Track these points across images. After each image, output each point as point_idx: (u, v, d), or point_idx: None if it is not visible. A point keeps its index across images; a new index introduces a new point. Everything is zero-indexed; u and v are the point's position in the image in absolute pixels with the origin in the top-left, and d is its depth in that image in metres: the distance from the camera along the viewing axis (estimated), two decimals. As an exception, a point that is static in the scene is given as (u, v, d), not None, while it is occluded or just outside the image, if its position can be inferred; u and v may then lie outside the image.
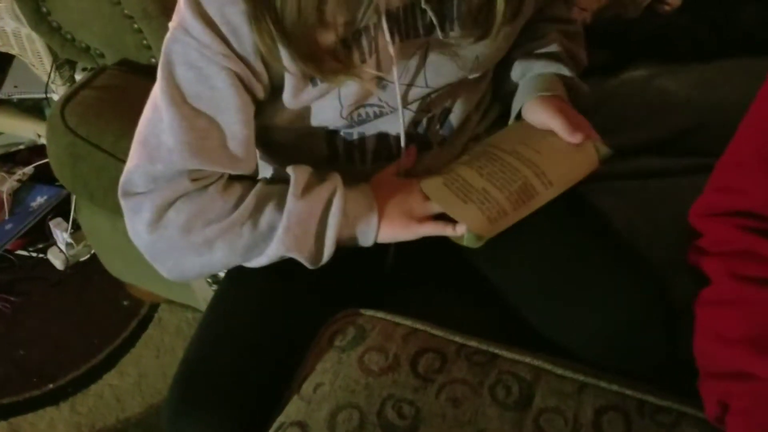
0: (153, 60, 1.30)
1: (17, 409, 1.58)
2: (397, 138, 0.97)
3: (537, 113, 0.96)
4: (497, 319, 0.97)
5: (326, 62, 0.84)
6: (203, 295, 1.46)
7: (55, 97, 1.67)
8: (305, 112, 0.92)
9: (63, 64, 1.61)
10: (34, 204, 1.90)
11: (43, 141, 1.80)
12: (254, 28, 0.81)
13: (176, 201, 0.86)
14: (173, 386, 0.90)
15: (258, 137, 0.91)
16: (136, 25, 1.26)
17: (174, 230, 0.86)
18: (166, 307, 1.74)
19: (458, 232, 0.89)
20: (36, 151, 1.95)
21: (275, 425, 0.86)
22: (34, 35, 1.50)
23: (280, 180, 0.92)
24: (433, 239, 0.93)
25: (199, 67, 0.83)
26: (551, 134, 0.95)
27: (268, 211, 0.88)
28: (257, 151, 0.95)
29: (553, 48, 1.03)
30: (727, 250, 0.80)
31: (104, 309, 1.76)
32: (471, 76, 0.97)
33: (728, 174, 0.83)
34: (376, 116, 0.95)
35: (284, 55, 0.83)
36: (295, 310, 0.96)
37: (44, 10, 1.32)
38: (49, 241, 1.87)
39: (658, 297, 0.91)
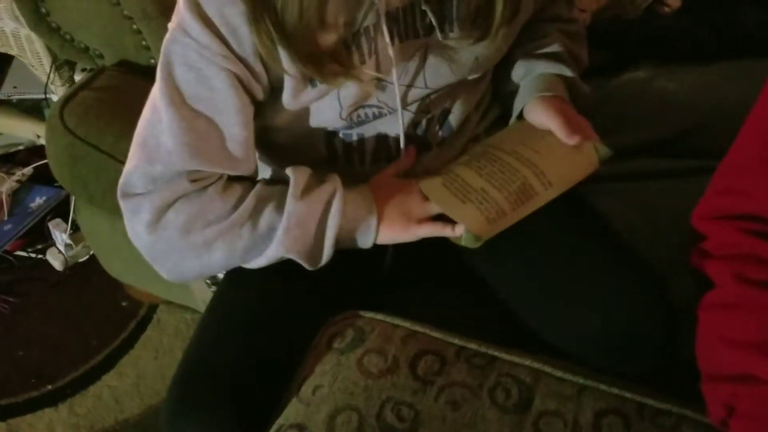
0: (152, 61, 1.30)
1: (16, 410, 1.58)
2: (397, 139, 0.97)
3: (537, 113, 0.96)
4: (497, 320, 0.97)
5: (326, 64, 0.84)
6: (202, 297, 1.46)
7: (55, 97, 1.66)
8: (304, 113, 0.92)
9: (62, 65, 1.60)
10: (33, 205, 1.90)
11: (42, 142, 1.80)
12: (253, 29, 0.81)
13: (175, 202, 0.86)
14: (172, 387, 0.90)
15: (257, 138, 0.91)
16: (135, 26, 1.26)
17: (173, 231, 0.86)
18: (164, 308, 1.74)
19: (457, 232, 0.89)
20: (35, 151, 1.95)
21: (274, 427, 0.86)
22: (34, 36, 1.50)
23: (279, 181, 0.92)
24: (432, 240, 0.93)
25: (198, 68, 0.83)
26: (551, 135, 0.95)
27: (268, 212, 0.88)
28: (256, 152, 0.94)
29: (555, 48, 1.02)
30: (731, 254, 0.79)
31: (103, 310, 1.76)
32: (470, 77, 0.97)
33: (731, 177, 0.83)
34: (376, 117, 0.95)
35: (284, 56, 0.83)
36: (294, 311, 0.96)
37: (43, 10, 1.32)
38: (48, 241, 1.86)
39: (658, 298, 0.91)
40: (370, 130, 0.97)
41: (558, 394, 0.84)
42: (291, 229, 0.87)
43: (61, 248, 1.83)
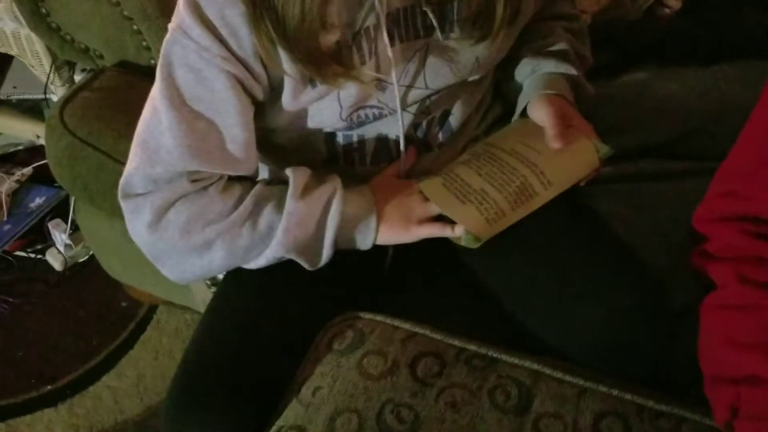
0: (152, 61, 1.30)
1: (15, 410, 1.57)
2: (397, 140, 0.97)
3: (536, 110, 0.96)
4: (496, 321, 0.97)
5: (327, 65, 0.84)
6: (202, 297, 1.46)
7: (54, 97, 1.66)
8: (304, 114, 0.92)
9: (62, 65, 1.61)
10: (32, 205, 1.90)
11: (41, 142, 1.80)
12: (254, 30, 0.81)
13: (176, 202, 0.87)
14: (172, 388, 0.90)
15: (257, 138, 0.91)
16: (135, 27, 1.26)
17: (174, 231, 0.86)
18: (164, 309, 1.74)
19: (457, 233, 0.89)
20: (35, 151, 1.95)
21: (274, 429, 0.86)
22: (34, 36, 1.50)
23: (279, 181, 0.92)
24: (431, 240, 0.93)
25: (198, 70, 0.83)
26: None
27: (267, 212, 0.88)
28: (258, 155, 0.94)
29: (560, 47, 1.02)
30: (734, 256, 0.80)
31: (103, 310, 1.76)
32: (471, 78, 0.97)
33: (732, 178, 0.83)
34: (376, 118, 0.95)
35: (284, 57, 0.83)
36: (294, 312, 0.96)
37: (43, 11, 1.32)
38: (48, 242, 1.86)
39: (656, 298, 0.91)
40: (370, 131, 0.97)
41: (558, 395, 0.84)
42: (290, 229, 0.87)
43: (61, 248, 1.82)
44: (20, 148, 1.99)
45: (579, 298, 0.91)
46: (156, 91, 0.85)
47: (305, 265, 0.90)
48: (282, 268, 0.91)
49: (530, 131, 0.96)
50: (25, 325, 1.74)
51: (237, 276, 0.97)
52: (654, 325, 0.90)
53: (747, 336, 0.76)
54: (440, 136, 1.01)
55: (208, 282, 1.38)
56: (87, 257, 1.84)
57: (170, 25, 0.84)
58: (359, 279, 1.02)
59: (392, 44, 0.87)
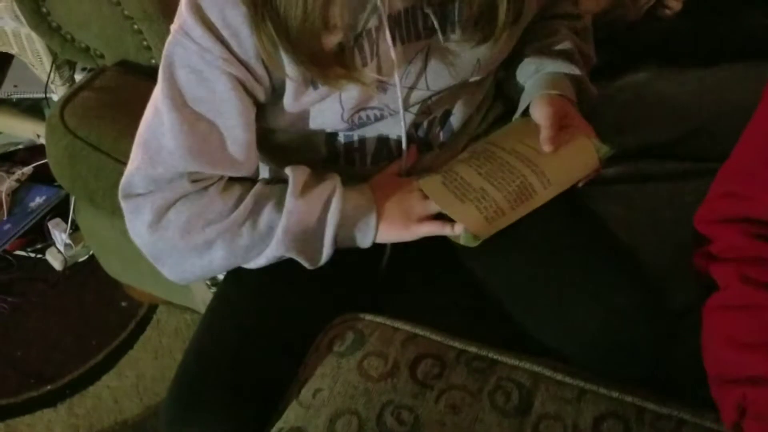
0: (153, 61, 1.30)
1: (14, 410, 1.57)
2: (398, 140, 0.97)
3: (536, 110, 0.96)
4: (497, 322, 0.97)
5: (329, 66, 0.84)
6: (202, 297, 1.46)
7: (55, 97, 1.66)
8: (306, 115, 0.92)
9: (62, 64, 1.60)
10: (32, 204, 1.90)
11: (42, 141, 1.80)
12: (255, 32, 0.81)
13: (176, 202, 0.87)
14: (172, 389, 0.90)
15: (258, 139, 0.91)
16: (136, 26, 1.26)
17: (174, 231, 0.87)
18: (164, 309, 1.73)
19: (456, 231, 0.89)
20: (35, 151, 1.95)
21: (274, 430, 0.86)
22: (34, 35, 1.50)
23: (278, 180, 0.92)
24: (431, 241, 0.93)
25: (199, 71, 0.83)
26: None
27: (267, 211, 0.88)
28: (258, 155, 0.94)
29: (564, 46, 1.02)
30: (736, 257, 0.80)
31: (102, 310, 1.75)
32: (472, 79, 0.96)
33: (733, 180, 0.83)
34: (377, 119, 0.95)
35: (285, 59, 0.83)
36: (294, 312, 0.96)
37: (44, 10, 1.32)
38: (48, 241, 1.86)
39: (654, 298, 0.91)
40: (371, 132, 0.97)
41: (558, 397, 0.84)
42: (290, 228, 0.87)
43: (61, 248, 1.82)
44: (20, 147, 1.99)
45: (578, 298, 0.91)
46: (158, 92, 0.86)
47: (306, 264, 0.90)
48: (282, 268, 0.91)
49: (531, 131, 0.96)
50: (24, 325, 1.74)
51: (237, 276, 0.97)
52: (653, 325, 0.90)
53: (750, 336, 0.76)
54: (441, 135, 1.01)
55: (208, 282, 1.38)
56: (87, 257, 1.84)
57: (172, 27, 0.84)
58: (359, 278, 1.02)
59: (394, 45, 0.87)
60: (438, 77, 0.93)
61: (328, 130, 0.95)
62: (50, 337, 1.71)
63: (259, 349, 0.91)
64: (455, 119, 1.01)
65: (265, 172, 1.04)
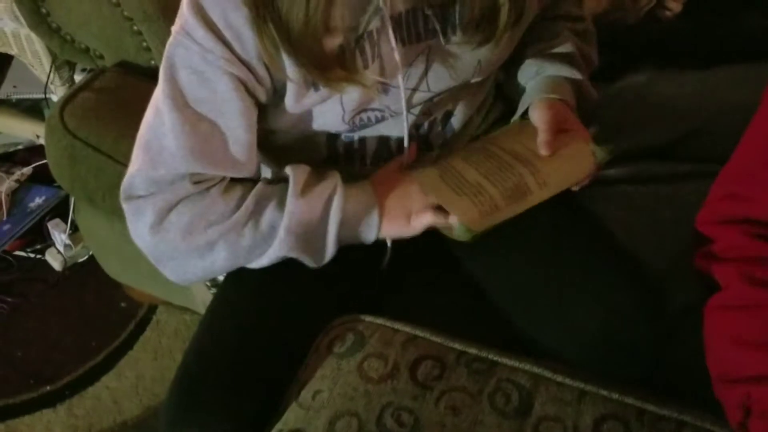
0: (152, 62, 1.30)
1: (14, 411, 1.57)
2: (398, 141, 0.97)
3: (534, 114, 0.96)
4: (497, 324, 0.97)
5: (330, 69, 0.84)
6: (202, 298, 1.46)
7: (54, 97, 1.66)
8: (307, 116, 0.92)
9: (62, 65, 1.60)
10: (32, 204, 1.90)
11: (41, 141, 1.80)
12: (257, 34, 0.81)
13: (178, 204, 0.87)
14: (172, 390, 0.90)
15: (258, 139, 0.91)
16: (135, 27, 1.26)
17: (176, 232, 0.86)
18: (164, 310, 1.73)
19: (450, 222, 0.89)
20: (35, 151, 1.95)
21: (273, 432, 0.86)
22: (34, 36, 1.50)
23: (279, 180, 0.92)
24: (431, 239, 0.93)
25: (201, 72, 0.83)
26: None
27: (269, 212, 0.88)
28: (258, 155, 0.94)
29: (566, 49, 1.02)
30: (738, 256, 0.80)
31: (102, 311, 1.75)
32: (473, 80, 0.96)
33: (735, 182, 0.83)
34: (378, 120, 0.95)
35: (287, 61, 0.83)
36: (294, 313, 0.96)
37: (44, 11, 1.31)
38: (47, 242, 1.86)
39: (653, 298, 0.92)
40: (371, 133, 0.97)
41: (558, 399, 0.84)
42: (292, 228, 0.87)
43: (60, 248, 1.82)
44: (20, 147, 1.99)
45: (578, 298, 0.91)
46: (159, 93, 0.85)
47: (309, 263, 0.91)
48: (283, 268, 0.91)
49: (529, 133, 0.96)
50: (24, 325, 1.74)
51: (237, 277, 0.97)
52: (653, 325, 0.90)
53: (753, 335, 0.77)
54: (442, 136, 1.01)
55: (208, 283, 1.38)
56: (86, 257, 1.84)
57: (173, 27, 0.84)
58: (359, 281, 1.02)
59: (396, 47, 0.87)
60: (439, 79, 0.93)
61: (329, 131, 0.95)
62: (50, 338, 1.71)
63: (259, 350, 0.91)
64: (456, 120, 1.01)
65: (267, 173, 1.04)
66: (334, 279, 0.96)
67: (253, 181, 0.92)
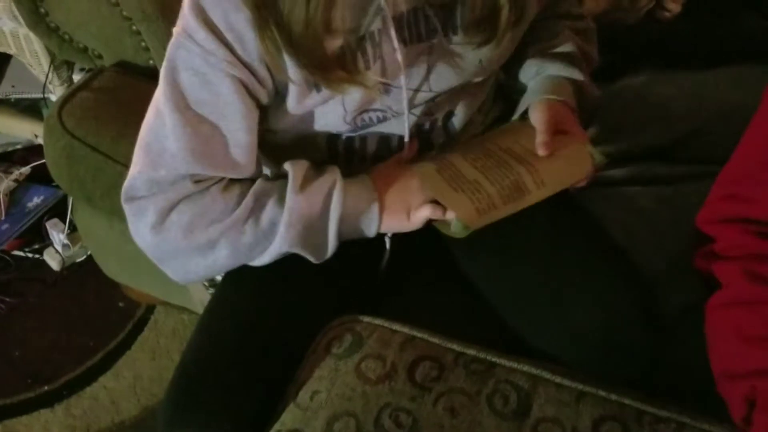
0: (151, 62, 1.30)
1: (11, 411, 1.57)
2: (400, 141, 0.97)
3: (533, 114, 0.96)
4: (495, 324, 0.97)
5: (332, 70, 0.83)
6: (200, 298, 1.46)
7: (53, 97, 1.66)
8: (308, 117, 0.92)
9: (61, 65, 1.60)
10: (30, 204, 1.89)
11: (40, 141, 1.79)
12: (258, 36, 0.81)
13: (179, 203, 0.87)
14: (170, 390, 0.90)
15: (258, 140, 0.91)
16: (134, 27, 1.25)
17: (177, 232, 0.87)
18: (162, 309, 1.73)
19: (447, 217, 0.89)
20: (33, 151, 1.94)
21: (271, 432, 0.86)
22: (32, 35, 1.50)
23: (279, 177, 0.92)
24: (430, 239, 0.93)
25: (203, 74, 0.83)
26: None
27: (269, 208, 0.88)
28: (258, 153, 0.94)
29: (566, 48, 1.02)
30: (741, 254, 0.81)
31: (100, 310, 1.75)
32: (475, 80, 0.96)
33: (735, 182, 0.83)
34: (380, 121, 0.95)
35: (289, 63, 0.83)
36: (292, 313, 0.96)
37: (42, 10, 1.31)
38: (46, 241, 1.86)
39: (650, 299, 0.92)
40: (373, 133, 0.97)
41: (556, 400, 0.84)
42: (293, 224, 0.87)
43: (59, 248, 1.82)
44: (18, 147, 1.98)
45: (577, 298, 0.91)
46: (159, 95, 0.85)
47: (311, 259, 0.91)
48: (281, 268, 0.91)
49: (527, 133, 0.96)
50: (22, 325, 1.73)
51: (236, 276, 0.97)
52: (651, 326, 0.90)
53: (756, 330, 0.77)
54: (442, 136, 1.01)
55: (206, 283, 1.38)
56: (85, 257, 1.84)
57: (175, 29, 0.84)
58: (358, 281, 1.02)
59: (397, 48, 0.87)
60: (441, 78, 0.93)
61: (331, 131, 0.95)
62: (48, 338, 1.71)
63: (257, 350, 0.91)
64: (457, 120, 1.01)
65: (267, 172, 1.04)
66: (332, 278, 0.96)
67: (253, 180, 0.92)
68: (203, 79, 0.83)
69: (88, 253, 1.81)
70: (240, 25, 0.81)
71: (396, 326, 0.92)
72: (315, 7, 0.78)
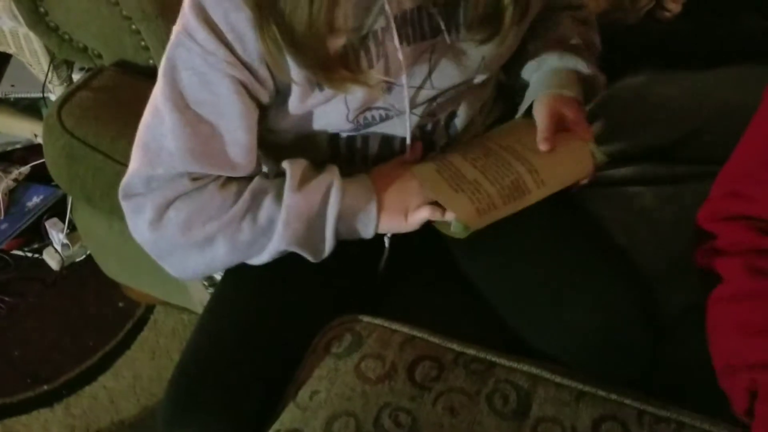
0: (151, 61, 1.30)
1: (11, 410, 1.57)
2: (401, 141, 0.97)
3: (537, 109, 0.96)
4: (495, 324, 0.97)
5: (335, 70, 0.83)
6: (199, 298, 1.46)
7: (52, 96, 1.66)
8: (310, 116, 0.92)
9: (60, 64, 1.60)
10: (30, 204, 1.89)
11: (39, 140, 1.79)
12: (259, 36, 0.80)
13: (176, 200, 0.87)
14: (169, 390, 0.90)
15: (260, 139, 0.91)
16: (134, 26, 1.25)
17: (174, 228, 0.87)
18: (161, 309, 1.73)
19: (446, 218, 0.89)
20: (32, 150, 1.94)
21: (270, 432, 0.86)
22: (32, 35, 1.49)
23: (278, 175, 0.92)
24: (429, 239, 0.93)
25: (202, 73, 0.83)
26: None
27: (267, 206, 0.88)
28: (259, 153, 0.94)
29: (569, 39, 1.02)
30: (742, 250, 0.81)
31: (99, 310, 1.75)
32: (477, 77, 0.96)
33: (735, 181, 0.84)
34: (382, 119, 0.94)
35: (290, 63, 0.83)
36: (291, 313, 0.96)
37: (42, 9, 1.31)
38: (45, 241, 1.86)
39: (650, 299, 0.92)
40: (375, 132, 0.97)
41: (556, 400, 0.84)
42: (291, 222, 0.87)
43: (58, 248, 1.82)
44: (18, 146, 1.98)
45: (576, 298, 0.91)
46: (158, 93, 0.85)
47: (309, 258, 0.90)
48: (281, 267, 0.91)
49: (528, 131, 0.96)
50: (21, 325, 1.73)
51: (235, 276, 0.97)
52: (651, 326, 0.90)
53: (758, 323, 0.77)
54: (444, 137, 1.01)
55: (206, 282, 1.38)
56: (84, 257, 1.84)
57: (174, 28, 0.84)
58: (357, 281, 1.02)
59: (401, 46, 0.86)
60: (444, 76, 0.93)
61: (333, 130, 0.95)
62: (47, 337, 1.70)
63: (257, 349, 0.91)
64: (459, 121, 1.01)
65: (265, 170, 1.04)
66: (332, 278, 0.96)
67: (251, 177, 0.92)
68: (203, 78, 0.83)
69: (88, 252, 1.81)
70: (241, 24, 0.81)
71: (395, 326, 0.92)
72: (318, 7, 0.77)
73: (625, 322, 0.89)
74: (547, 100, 0.95)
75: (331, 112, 0.90)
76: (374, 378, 0.87)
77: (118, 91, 1.29)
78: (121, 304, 1.76)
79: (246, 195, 0.88)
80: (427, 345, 0.90)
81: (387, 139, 0.97)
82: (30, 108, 1.86)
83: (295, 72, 0.84)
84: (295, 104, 0.88)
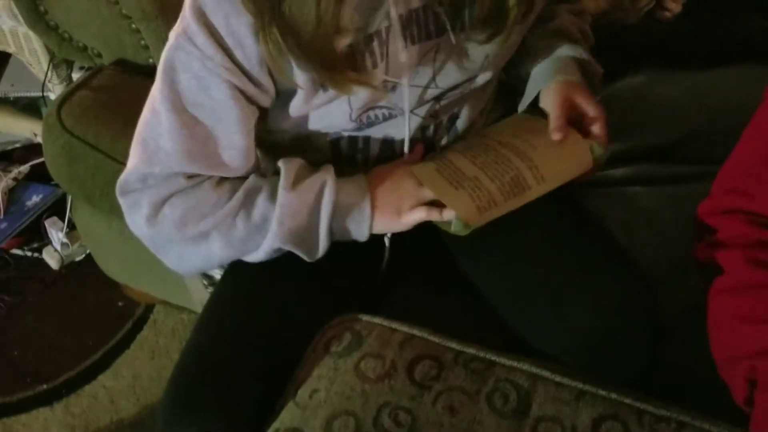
0: (151, 60, 1.30)
1: (10, 409, 1.57)
2: (402, 142, 0.96)
3: (547, 99, 0.95)
4: (495, 323, 0.97)
5: (340, 71, 0.83)
6: (199, 297, 1.46)
7: (52, 95, 1.66)
8: (313, 115, 0.92)
9: (60, 63, 1.60)
10: (29, 203, 1.89)
11: (39, 140, 1.79)
12: (261, 40, 0.80)
13: (171, 197, 0.88)
14: (169, 389, 0.90)
15: (260, 139, 0.90)
16: (134, 26, 1.25)
17: (169, 225, 0.88)
18: (161, 309, 1.73)
19: (445, 217, 0.89)
20: (32, 149, 1.94)
21: (270, 431, 0.86)
22: (32, 34, 1.49)
23: (273, 173, 0.92)
24: (429, 241, 0.92)
25: (200, 77, 0.83)
26: (547, 130, 0.94)
27: (260, 203, 0.88)
28: (258, 152, 0.94)
29: (566, 29, 1.01)
30: (743, 242, 0.81)
31: (99, 309, 1.75)
32: (481, 75, 0.96)
33: (736, 178, 0.84)
34: (386, 118, 0.94)
35: (294, 65, 0.83)
36: (291, 312, 0.96)
37: (42, 9, 1.31)
38: (45, 240, 1.86)
39: (650, 298, 0.91)
40: (377, 133, 0.97)
41: (556, 399, 0.84)
42: (284, 220, 0.87)
43: (58, 247, 1.82)
44: (17, 145, 1.98)
45: (576, 298, 0.91)
46: (157, 94, 0.85)
47: (304, 257, 0.90)
48: (280, 266, 0.91)
49: (527, 126, 0.96)
50: (21, 324, 1.73)
51: (234, 275, 0.97)
52: (651, 325, 0.90)
53: (758, 313, 0.78)
54: (446, 138, 1.01)
55: (205, 282, 1.38)
56: (84, 256, 1.84)
57: (174, 30, 0.84)
58: (357, 280, 1.02)
59: (405, 46, 0.86)
60: (447, 74, 0.92)
61: (335, 130, 0.95)
62: (47, 337, 1.70)
63: (256, 349, 0.91)
64: (461, 122, 1.01)
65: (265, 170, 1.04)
66: (332, 278, 0.96)
67: (246, 176, 0.92)
68: (201, 82, 0.83)
69: (87, 251, 1.81)
70: (241, 30, 0.80)
71: (395, 325, 0.92)
72: (324, 8, 0.77)
73: (625, 322, 0.89)
74: (557, 87, 0.95)
75: (334, 111, 0.90)
76: (374, 377, 0.87)
77: (117, 91, 1.29)
78: (120, 304, 1.76)
79: (240, 193, 0.88)
80: (426, 344, 0.90)
81: (388, 141, 0.97)
82: (29, 107, 1.86)
83: (299, 74, 0.84)
84: (298, 105, 0.88)
